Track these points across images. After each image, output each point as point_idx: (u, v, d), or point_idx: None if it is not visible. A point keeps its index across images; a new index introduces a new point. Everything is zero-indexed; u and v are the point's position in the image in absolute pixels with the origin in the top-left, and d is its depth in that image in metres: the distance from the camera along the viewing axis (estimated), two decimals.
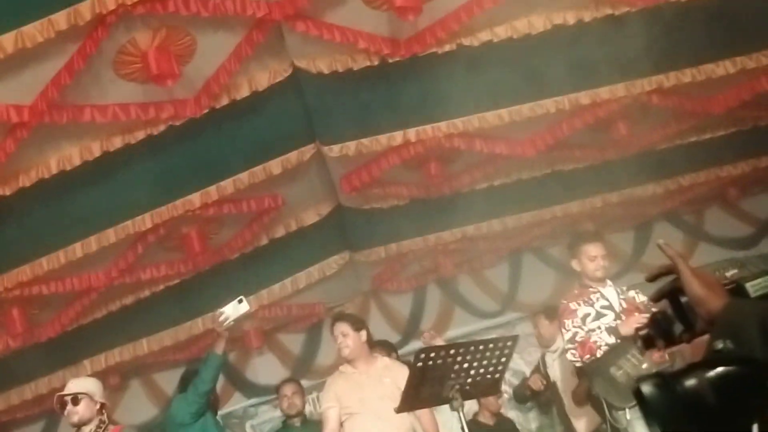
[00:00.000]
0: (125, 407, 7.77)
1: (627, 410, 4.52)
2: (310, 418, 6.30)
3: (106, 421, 4.95)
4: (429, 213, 7.00)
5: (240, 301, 4.97)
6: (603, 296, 4.90)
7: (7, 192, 4.84)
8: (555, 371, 5.89)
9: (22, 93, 4.24)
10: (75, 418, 4.79)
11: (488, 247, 8.03)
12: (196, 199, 5.72)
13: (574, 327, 4.82)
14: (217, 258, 6.56)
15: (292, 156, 5.84)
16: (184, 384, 5.32)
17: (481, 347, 4.59)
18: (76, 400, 4.84)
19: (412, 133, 5.72)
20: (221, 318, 4.98)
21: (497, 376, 4.54)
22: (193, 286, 6.79)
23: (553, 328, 5.79)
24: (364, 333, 4.96)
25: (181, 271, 6.53)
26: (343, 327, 4.92)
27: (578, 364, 4.80)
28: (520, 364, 7.81)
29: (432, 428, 4.87)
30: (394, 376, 4.88)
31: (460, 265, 8.20)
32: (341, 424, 4.86)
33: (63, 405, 4.89)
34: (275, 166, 5.78)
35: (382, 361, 5.03)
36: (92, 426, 4.84)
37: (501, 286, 8.53)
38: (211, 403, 5.38)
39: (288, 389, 6.23)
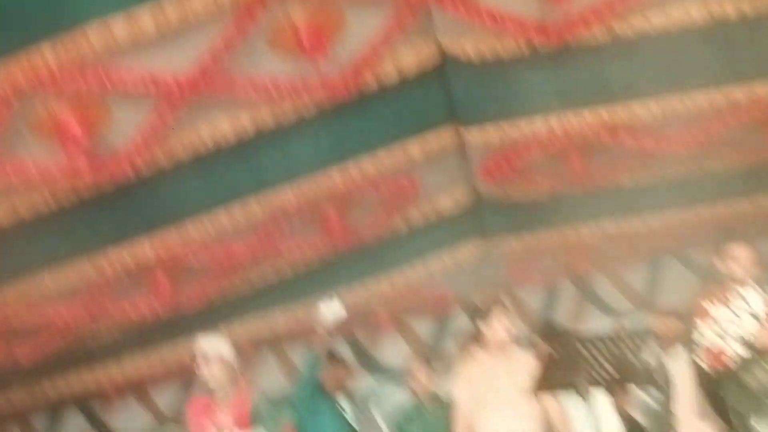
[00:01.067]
0: (257, 376, 7.98)
1: (753, 417, 4.34)
2: (444, 400, 6.27)
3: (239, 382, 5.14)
4: (568, 207, 6.89)
5: (332, 298, 5.18)
6: (744, 299, 4.71)
7: (163, 161, 5.06)
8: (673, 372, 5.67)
9: (180, 63, 4.43)
10: (212, 382, 5.00)
11: (628, 247, 7.83)
12: (336, 176, 5.83)
13: (708, 330, 4.65)
14: (354, 238, 6.67)
15: (432, 139, 5.87)
16: None
17: (613, 340, 4.53)
18: (213, 364, 5.05)
19: (555, 122, 5.64)
20: (321, 319, 5.19)
21: (629, 370, 4.47)
22: (329, 265, 6.93)
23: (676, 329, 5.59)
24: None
25: (319, 248, 6.68)
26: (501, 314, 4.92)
27: (705, 368, 4.63)
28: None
29: (561, 418, 4.80)
30: (526, 365, 4.84)
31: (596, 263, 8.04)
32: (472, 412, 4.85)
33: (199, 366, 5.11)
34: (414, 148, 5.83)
35: (516, 350, 5.00)
36: (227, 388, 5.04)
37: (638, 288, 8.30)
38: (326, 387, 5.51)
39: (419, 371, 6.22)
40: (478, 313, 4.92)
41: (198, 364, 5.12)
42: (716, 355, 4.40)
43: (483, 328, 4.84)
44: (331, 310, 5.20)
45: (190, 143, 5.03)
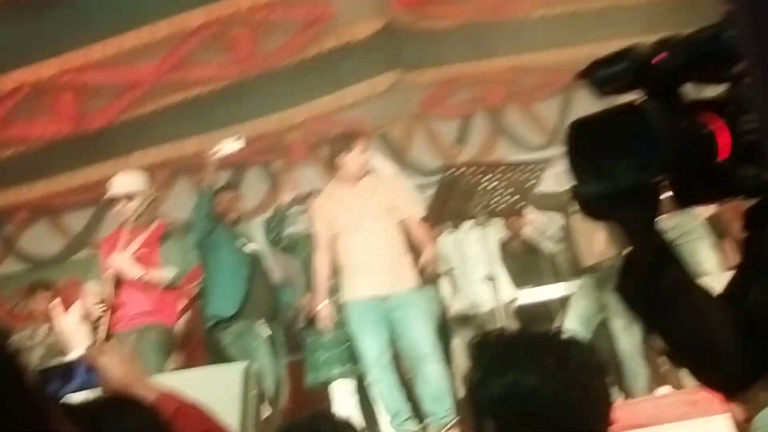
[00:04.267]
0: (172, 203, 7.98)
1: None
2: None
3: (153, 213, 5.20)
4: (483, 38, 6.87)
5: (238, 139, 5.15)
6: None
7: None
8: None
9: None
10: (124, 217, 5.05)
11: (541, 80, 7.89)
12: None
13: None
14: (264, 64, 6.58)
15: None
16: None
17: (510, 169, 4.65)
18: (125, 201, 5.08)
19: None
20: (214, 151, 5.17)
21: (524, 199, 4.62)
22: (241, 90, 6.85)
23: None
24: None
25: (230, 73, 6.57)
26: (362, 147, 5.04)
27: None
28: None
29: (426, 239, 4.97)
30: (384, 192, 4.99)
31: (510, 95, 8.10)
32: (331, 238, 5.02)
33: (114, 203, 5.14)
34: None
35: (374, 179, 5.11)
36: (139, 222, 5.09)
37: (550, 121, 8.42)
38: (222, 216, 5.55)
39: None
40: (342, 144, 5.01)
41: (110, 198, 5.16)
42: None
43: (342, 159, 4.95)
44: (229, 146, 5.21)
45: None
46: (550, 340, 1.34)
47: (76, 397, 1.71)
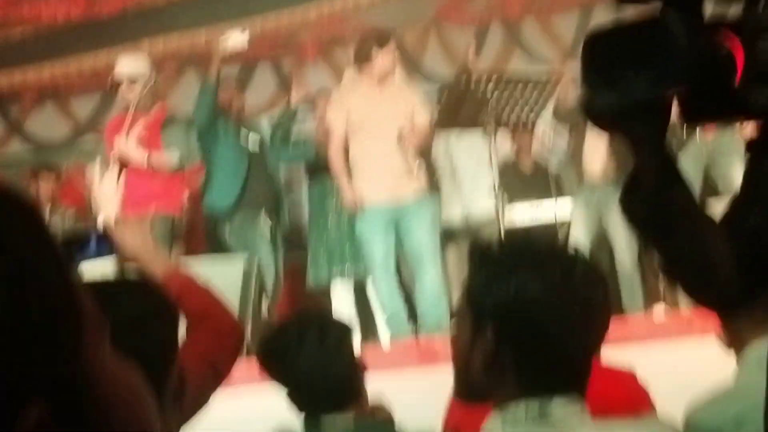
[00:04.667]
0: (179, 94, 7.94)
1: None
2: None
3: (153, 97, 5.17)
4: None
5: (243, 31, 5.09)
6: None
7: None
8: None
9: None
10: (130, 101, 5.05)
11: None
12: None
13: None
14: None
15: None
16: None
17: (522, 84, 4.61)
18: (131, 84, 5.07)
19: None
20: (221, 42, 5.13)
21: (534, 113, 4.59)
22: None
23: None
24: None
25: None
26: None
27: None
28: None
29: (424, 131, 4.94)
30: (402, 97, 4.96)
31: (527, 6, 7.96)
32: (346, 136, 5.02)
33: (117, 85, 5.13)
34: None
35: (399, 86, 5.10)
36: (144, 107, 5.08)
37: (566, 36, 8.30)
38: (226, 110, 5.52)
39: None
40: (373, 43, 4.96)
41: (116, 82, 5.15)
42: None
43: (372, 58, 4.92)
44: (233, 38, 5.15)
45: None
46: (554, 250, 1.34)
47: (86, 266, 1.73)
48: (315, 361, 1.87)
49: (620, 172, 4.80)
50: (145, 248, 1.82)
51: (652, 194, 1.14)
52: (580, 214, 5.29)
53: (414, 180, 4.97)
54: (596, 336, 1.33)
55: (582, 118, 1.18)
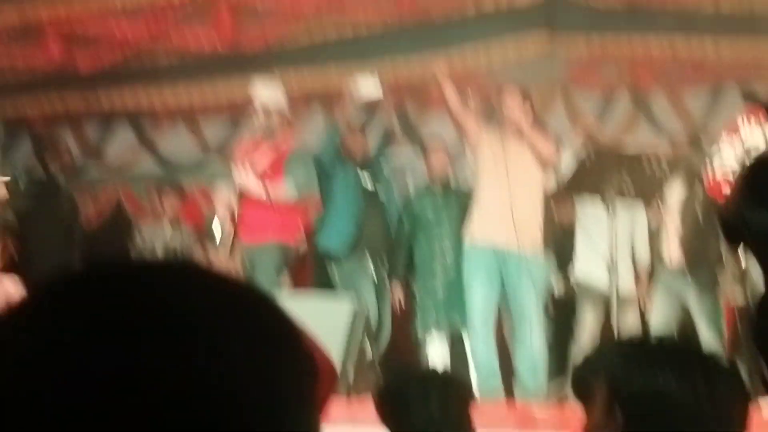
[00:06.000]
0: (304, 131, 8.16)
1: None
2: (455, 188, 6.12)
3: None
4: (642, 18, 6.71)
5: (373, 75, 5.25)
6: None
7: None
8: None
9: None
10: (263, 127, 5.28)
11: (693, 69, 7.66)
12: None
13: (728, 150, 4.53)
14: (420, 10, 6.61)
15: None
16: None
17: (639, 163, 4.59)
18: (266, 112, 5.30)
19: None
20: (351, 85, 5.30)
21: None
22: (395, 32, 6.92)
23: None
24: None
25: (388, 15, 6.64)
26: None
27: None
28: None
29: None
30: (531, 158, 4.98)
31: (659, 79, 7.89)
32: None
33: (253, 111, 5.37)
34: None
35: (532, 135, 5.15)
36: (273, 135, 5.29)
37: (694, 113, 8.18)
38: (349, 154, 5.67)
39: (438, 149, 6.22)
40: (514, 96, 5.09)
41: (253, 108, 5.37)
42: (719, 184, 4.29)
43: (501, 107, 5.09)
44: (366, 85, 5.31)
45: None
46: (701, 357, 1.36)
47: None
48: (435, 418, 1.91)
49: (693, 260, 4.73)
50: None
51: None
52: (662, 298, 5.16)
53: (530, 232, 4.87)
54: None
55: (721, 230, 1.21)
